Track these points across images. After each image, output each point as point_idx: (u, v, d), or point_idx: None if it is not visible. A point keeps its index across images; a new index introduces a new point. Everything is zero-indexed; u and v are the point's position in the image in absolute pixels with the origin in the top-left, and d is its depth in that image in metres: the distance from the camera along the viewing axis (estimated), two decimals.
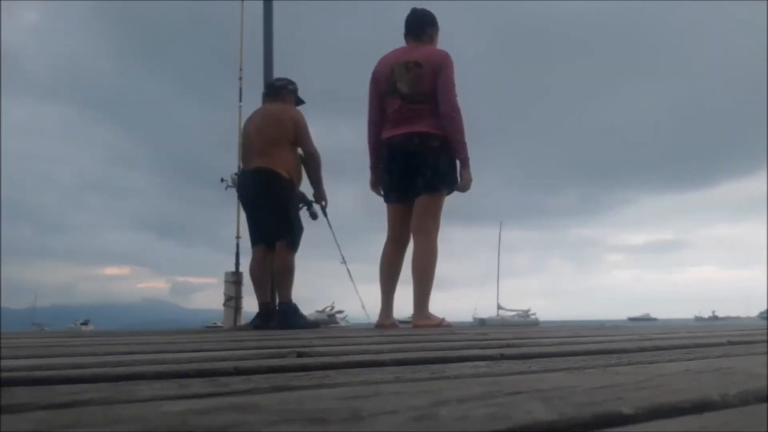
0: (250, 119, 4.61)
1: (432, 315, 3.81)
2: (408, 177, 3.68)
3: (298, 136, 4.31)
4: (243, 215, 5.45)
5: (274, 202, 4.28)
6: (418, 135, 3.58)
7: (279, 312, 4.26)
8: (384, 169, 3.83)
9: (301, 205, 4.49)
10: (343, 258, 5.36)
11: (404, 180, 3.70)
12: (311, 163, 4.37)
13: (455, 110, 3.57)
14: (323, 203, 4.60)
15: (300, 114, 4.38)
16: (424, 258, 3.66)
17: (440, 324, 3.78)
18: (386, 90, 3.73)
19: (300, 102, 4.59)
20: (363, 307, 5.80)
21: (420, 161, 3.61)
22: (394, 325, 3.97)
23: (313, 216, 4.58)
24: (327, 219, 4.67)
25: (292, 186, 4.33)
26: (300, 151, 4.38)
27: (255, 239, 4.47)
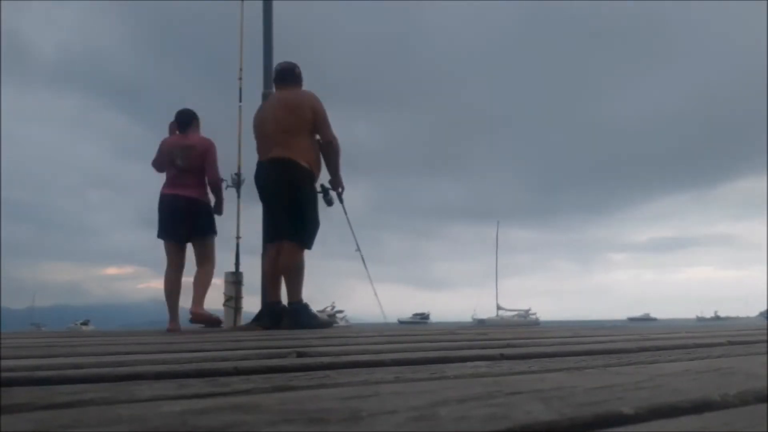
0: (264, 108, 4.53)
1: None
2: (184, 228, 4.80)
3: (317, 122, 4.23)
4: (243, 215, 5.46)
5: (291, 193, 4.21)
6: (187, 198, 4.62)
7: (290, 312, 4.21)
8: None
9: (319, 191, 4.43)
10: (357, 246, 5.27)
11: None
12: (329, 150, 4.30)
13: (215, 183, 4.68)
14: (339, 190, 4.54)
15: (317, 99, 4.27)
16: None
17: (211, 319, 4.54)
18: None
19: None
20: (378, 304, 5.76)
21: (189, 216, 4.70)
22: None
23: (329, 203, 4.50)
24: (343, 206, 4.61)
25: (311, 177, 4.25)
26: (318, 137, 4.32)
27: (272, 235, 4.39)
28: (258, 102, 5.25)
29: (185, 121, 4.67)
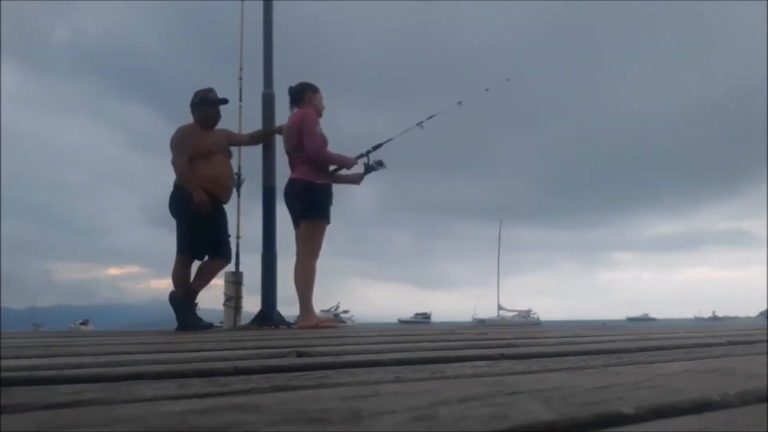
0: None
1: (313, 317, 4.42)
2: (292, 211, 4.59)
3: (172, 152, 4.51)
4: (243, 215, 5.47)
5: (172, 212, 4.50)
6: (291, 180, 4.51)
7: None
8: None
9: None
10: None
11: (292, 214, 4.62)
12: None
13: (315, 153, 4.36)
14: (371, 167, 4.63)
15: (177, 131, 4.49)
16: (297, 274, 4.44)
17: (318, 325, 4.24)
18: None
19: (219, 103, 4.61)
20: None
21: (293, 199, 4.50)
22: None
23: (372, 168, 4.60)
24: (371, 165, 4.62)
25: (186, 195, 4.38)
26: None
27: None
28: (258, 102, 5.24)
29: (291, 98, 4.63)
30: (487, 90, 5.27)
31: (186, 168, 4.37)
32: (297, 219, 4.43)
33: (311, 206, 4.35)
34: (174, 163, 4.44)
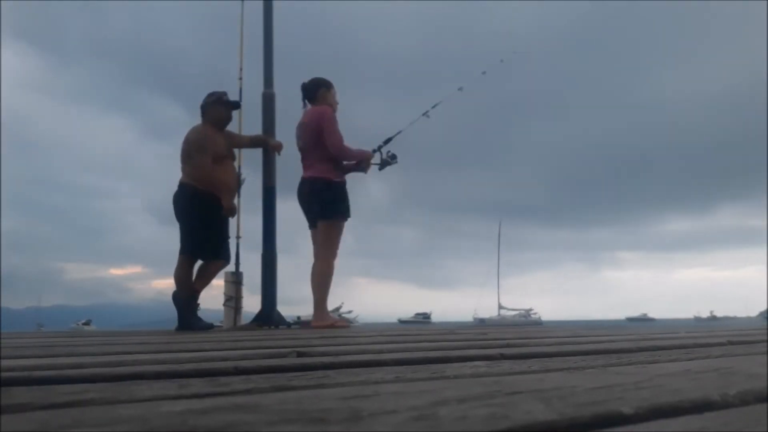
0: None
1: (328, 316, 4.44)
2: (309, 211, 4.56)
3: (187, 152, 4.50)
4: (242, 214, 5.48)
5: (176, 211, 4.51)
6: (308, 179, 4.48)
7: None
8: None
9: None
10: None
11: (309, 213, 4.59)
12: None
13: (338, 150, 4.39)
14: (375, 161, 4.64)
15: (195, 131, 4.47)
16: (315, 274, 4.44)
17: (333, 324, 4.28)
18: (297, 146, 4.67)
19: (233, 106, 4.65)
20: None
21: (311, 198, 4.47)
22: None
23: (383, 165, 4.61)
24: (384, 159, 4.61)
25: (195, 193, 4.41)
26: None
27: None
28: (259, 102, 5.24)
29: (305, 94, 4.63)
30: (484, 73, 5.20)
31: (210, 169, 4.36)
32: (314, 219, 4.43)
33: (331, 205, 4.36)
34: (195, 164, 4.40)
